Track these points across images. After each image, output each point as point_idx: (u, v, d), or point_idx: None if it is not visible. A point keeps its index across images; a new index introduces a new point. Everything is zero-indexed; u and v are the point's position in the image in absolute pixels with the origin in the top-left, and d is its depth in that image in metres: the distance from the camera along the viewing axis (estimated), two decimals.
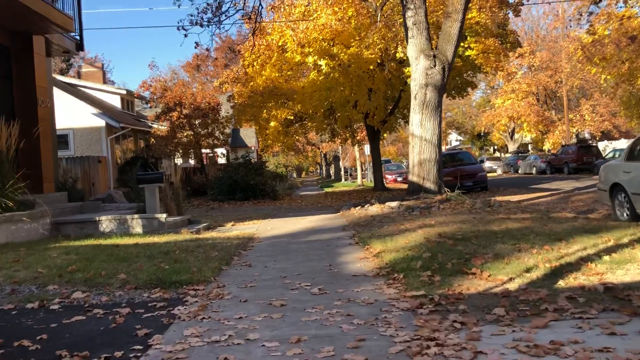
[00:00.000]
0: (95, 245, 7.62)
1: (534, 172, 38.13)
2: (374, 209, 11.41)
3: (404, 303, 4.19)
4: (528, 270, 4.93)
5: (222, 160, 36.01)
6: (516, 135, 55.42)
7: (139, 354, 3.34)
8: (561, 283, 4.50)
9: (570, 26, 39.52)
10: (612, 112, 44.84)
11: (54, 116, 13.37)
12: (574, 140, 40.81)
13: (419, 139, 12.80)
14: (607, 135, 46.79)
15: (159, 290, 5.03)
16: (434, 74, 12.61)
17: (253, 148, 43.62)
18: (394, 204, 11.34)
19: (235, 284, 5.31)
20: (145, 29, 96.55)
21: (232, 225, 11.35)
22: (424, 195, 12.04)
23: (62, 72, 37.30)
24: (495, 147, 69.66)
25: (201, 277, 5.46)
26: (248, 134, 44.90)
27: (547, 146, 47.92)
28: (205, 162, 32.60)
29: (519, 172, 41.26)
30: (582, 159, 32.67)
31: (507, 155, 51.93)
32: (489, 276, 4.83)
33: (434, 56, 12.66)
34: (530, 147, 56.57)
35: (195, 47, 16.06)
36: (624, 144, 40.64)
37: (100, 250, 7.13)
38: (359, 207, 12.11)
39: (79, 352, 3.39)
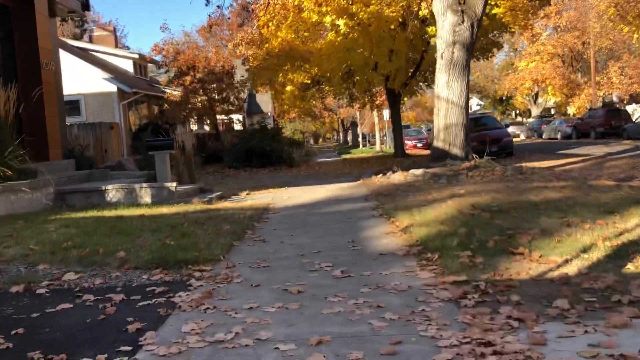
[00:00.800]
0: (98, 218, 7.06)
1: (559, 137, 36.92)
2: (397, 177, 10.70)
3: (443, 291, 3.54)
4: (585, 250, 4.23)
5: (238, 127, 35.38)
6: (539, 100, 53.76)
7: (124, 358, 2.75)
8: (630, 267, 3.81)
9: None
10: None
11: (61, 80, 12.77)
12: (600, 104, 39.29)
13: (445, 102, 11.95)
14: (635, 99, 45.01)
15: (160, 271, 4.44)
16: (462, 30, 11.67)
17: (269, 114, 42.88)
18: (419, 171, 10.61)
19: (246, 264, 4.71)
20: None
21: (247, 194, 10.75)
22: (450, 162, 11.28)
23: (76, 38, 36.58)
24: (517, 112, 67.93)
25: (209, 255, 4.86)
26: (264, 100, 44.10)
27: (572, 110, 46.35)
28: (221, 128, 32.00)
29: (543, 137, 40.01)
30: (610, 123, 31.39)
31: (531, 119, 50.49)
32: (540, 257, 4.14)
33: (462, 11, 11.70)
34: (552, 111, 54.81)
35: (207, 4, 14.44)
36: None
37: (102, 222, 6.56)
38: (381, 175, 11.40)
39: (54, 354, 2.81)
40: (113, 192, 9.15)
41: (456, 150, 12.05)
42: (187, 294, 3.79)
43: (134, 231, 5.92)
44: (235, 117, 39.15)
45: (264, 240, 5.74)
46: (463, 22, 11.68)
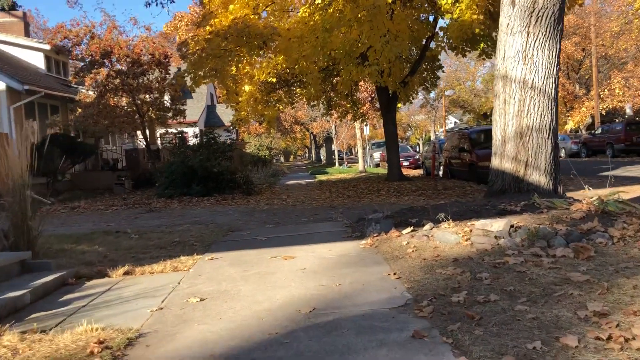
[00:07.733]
0: None
1: (562, 155, 32.23)
2: (450, 237, 4.97)
3: None
4: None
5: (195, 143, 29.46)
6: None
7: None
8: None
9: None
10: None
11: None
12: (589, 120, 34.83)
13: (520, 86, 6.38)
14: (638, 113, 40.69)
15: None
16: None
17: (233, 127, 37.09)
18: (496, 226, 4.89)
19: None
20: None
21: (124, 273, 4.92)
22: (543, 202, 5.65)
23: None
24: None
25: None
26: (226, 112, 38.35)
27: (569, 125, 41.81)
28: (174, 142, 25.97)
29: None
30: (631, 138, 26.94)
31: None
32: None
33: None
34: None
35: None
36: None
37: None
38: (409, 227, 5.60)
39: None
40: None
41: (538, 176, 6.47)
42: None
43: None
44: (192, 130, 33.51)
45: None
46: None
